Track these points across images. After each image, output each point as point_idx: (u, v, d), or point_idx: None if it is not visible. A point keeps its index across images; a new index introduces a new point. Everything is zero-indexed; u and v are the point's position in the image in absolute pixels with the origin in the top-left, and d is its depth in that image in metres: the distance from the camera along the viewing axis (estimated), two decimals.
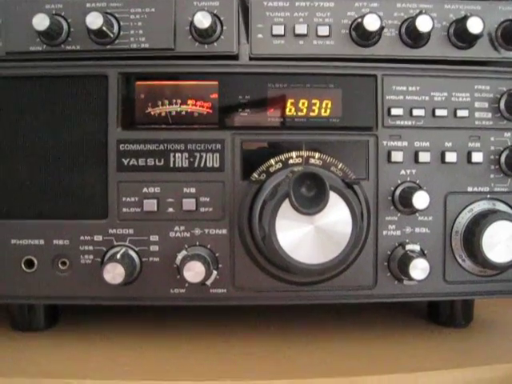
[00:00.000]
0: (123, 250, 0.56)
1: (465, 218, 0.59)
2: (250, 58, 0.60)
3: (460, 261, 0.60)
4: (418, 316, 0.67)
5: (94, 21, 0.55)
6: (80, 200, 0.58)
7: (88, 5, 0.58)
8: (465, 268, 0.60)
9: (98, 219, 0.58)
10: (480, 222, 0.57)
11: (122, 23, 0.58)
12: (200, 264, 0.54)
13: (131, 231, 0.58)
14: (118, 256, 0.55)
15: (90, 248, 0.58)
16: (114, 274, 0.54)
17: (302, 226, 0.51)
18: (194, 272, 0.54)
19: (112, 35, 0.58)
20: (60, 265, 0.58)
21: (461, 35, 0.59)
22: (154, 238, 0.58)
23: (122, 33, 0.58)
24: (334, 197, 0.51)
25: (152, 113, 0.58)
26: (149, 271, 0.58)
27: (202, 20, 0.56)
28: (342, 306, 0.62)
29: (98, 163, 0.58)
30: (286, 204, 0.51)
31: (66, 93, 0.58)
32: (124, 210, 0.57)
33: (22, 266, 0.58)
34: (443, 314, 0.65)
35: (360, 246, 0.57)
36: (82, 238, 0.58)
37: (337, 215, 0.52)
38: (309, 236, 0.52)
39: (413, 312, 0.68)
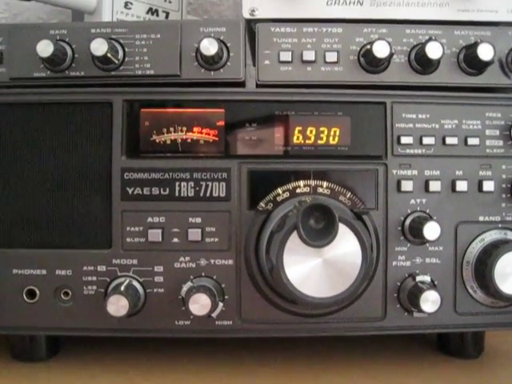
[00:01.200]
0: (127, 281, 0.55)
1: (476, 247, 0.58)
2: (257, 85, 0.59)
3: (471, 292, 0.58)
4: (428, 346, 0.66)
5: (99, 47, 0.55)
6: (83, 229, 0.57)
7: (93, 30, 0.58)
8: (476, 299, 0.58)
9: (102, 249, 0.56)
10: (492, 253, 0.56)
11: (126, 49, 0.57)
12: (206, 296, 0.53)
13: (135, 261, 0.56)
14: (122, 288, 0.53)
15: (94, 278, 0.56)
16: (117, 306, 0.52)
17: (311, 259, 0.50)
18: (200, 305, 0.53)
19: (117, 61, 0.57)
20: (62, 295, 0.57)
21: (471, 62, 0.58)
22: (159, 268, 0.56)
23: (126, 59, 0.57)
24: (343, 229, 0.50)
25: (157, 140, 0.57)
26: (153, 302, 0.56)
27: (209, 47, 0.55)
28: (350, 337, 0.60)
29: (102, 192, 0.57)
30: (293, 236, 0.50)
31: (69, 120, 0.57)
32: (128, 239, 0.56)
33: (24, 296, 0.57)
34: (454, 345, 0.63)
35: (369, 278, 0.56)
36: (85, 268, 0.56)
37: (346, 248, 0.50)
38: (317, 269, 0.50)
39: (423, 342, 0.67)
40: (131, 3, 0.66)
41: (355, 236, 0.50)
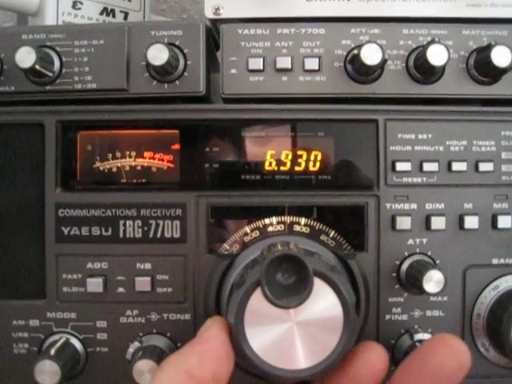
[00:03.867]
0: (63, 340, 0.46)
1: (488, 297, 0.48)
2: (222, 99, 0.49)
3: (483, 350, 0.48)
4: None
5: (25, 58, 0.45)
6: (12, 276, 0.48)
7: (24, 36, 0.48)
8: (489, 359, 0.48)
9: (34, 300, 0.47)
10: (508, 306, 0.45)
11: (64, 59, 0.48)
12: (153, 363, 0.43)
13: (74, 315, 0.47)
14: (53, 351, 0.44)
15: (25, 335, 0.47)
16: (46, 374, 0.43)
17: (280, 322, 0.40)
18: (147, 374, 0.43)
19: (51, 74, 0.47)
20: None
21: (483, 68, 0.47)
22: (102, 323, 0.47)
23: (64, 70, 0.48)
24: (319, 284, 0.40)
25: (101, 168, 0.47)
26: (96, 363, 0.47)
27: (158, 55, 0.45)
28: None
29: (34, 232, 0.47)
30: (257, 293, 0.40)
31: None
32: (65, 289, 0.47)
33: None
34: None
35: (355, 339, 0.46)
36: (14, 322, 0.48)
37: (323, 307, 0.40)
38: (288, 334, 0.40)
39: None
40: (81, 3, 0.56)
41: (334, 293, 0.40)
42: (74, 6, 0.56)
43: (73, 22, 0.56)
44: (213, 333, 0.39)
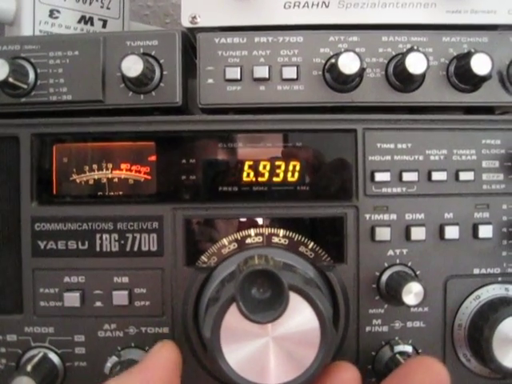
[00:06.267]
0: (40, 354, 0.46)
1: (470, 307, 0.47)
2: (200, 109, 0.48)
3: (464, 360, 0.48)
4: None
5: None
6: None
7: None
8: (470, 369, 0.48)
9: (11, 314, 0.47)
10: (489, 317, 0.45)
11: (39, 70, 0.47)
12: None
13: (51, 330, 0.47)
14: (29, 367, 0.44)
15: (2, 350, 0.47)
16: None
17: (256, 338, 0.40)
18: None
19: (25, 86, 0.47)
20: None
21: (463, 76, 0.47)
22: (80, 338, 0.47)
23: (39, 82, 0.47)
24: (295, 298, 0.39)
25: (77, 181, 0.47)
26: (74, 378, 0.47)
27: (132, 66, 0.45)
28: None
29: (10, 246, 0.47)
30: (233, 308, 0.39)
31: None
32: (42, 303, 0.47)
33: None
34: None
35: (337, 347, 0.46)
36: None
37: (300, 321, 0.40)
38: (265, 350, 0.40)
39: None
40: (58, 11, 0.55)
41: (311, 307, 0.40)
42: (51, 14, 0.55)
43: (50, 31, 0.55)
44: (158, 360, 0.38)
